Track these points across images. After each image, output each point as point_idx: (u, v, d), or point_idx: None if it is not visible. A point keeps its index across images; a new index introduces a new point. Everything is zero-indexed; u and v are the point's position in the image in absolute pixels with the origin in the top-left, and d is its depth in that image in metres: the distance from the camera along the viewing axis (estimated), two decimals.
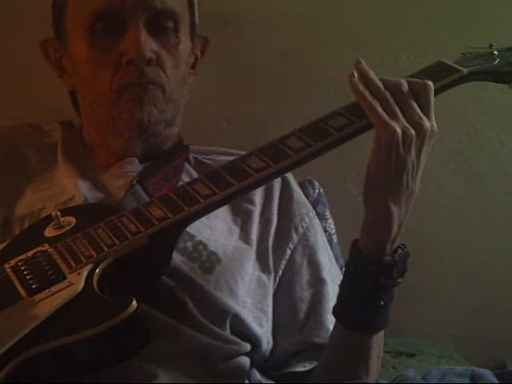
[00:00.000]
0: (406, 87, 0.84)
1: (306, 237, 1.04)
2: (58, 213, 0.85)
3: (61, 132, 1.09)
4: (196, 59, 1.09)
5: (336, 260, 1.15)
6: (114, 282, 0.78)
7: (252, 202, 1.02)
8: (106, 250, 0.78)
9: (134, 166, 1.01)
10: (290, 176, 1.08)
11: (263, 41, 1.38)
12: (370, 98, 0.82)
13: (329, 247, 1.10)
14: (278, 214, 1.03)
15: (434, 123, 0.84)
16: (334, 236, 1.25)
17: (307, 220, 1.05)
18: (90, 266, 0.77)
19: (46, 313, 0.71)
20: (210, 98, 1.36)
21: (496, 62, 0.96)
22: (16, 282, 0.76)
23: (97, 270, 0.77)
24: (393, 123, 0.80)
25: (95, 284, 0.75)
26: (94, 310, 0.72)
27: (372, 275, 0.85)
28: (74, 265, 0.77)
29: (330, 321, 0.97)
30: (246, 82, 1.40)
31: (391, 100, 0.82)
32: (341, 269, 1.19)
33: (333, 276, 1.05)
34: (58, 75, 1.06)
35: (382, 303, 0.86)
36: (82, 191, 0.97)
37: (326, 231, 1.22)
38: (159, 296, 0.87)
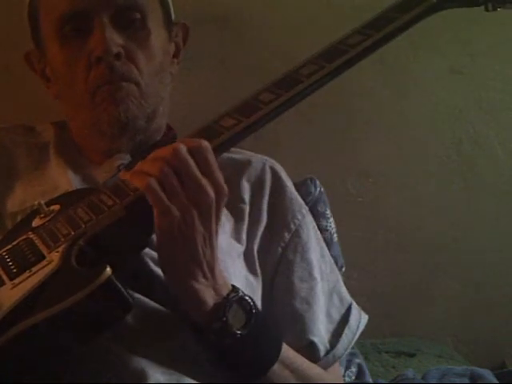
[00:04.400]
0: (182, 156, 0.78)
1: (299, 234, 1.03)
2: (42, 202, 0.87)
3: (53, 131, 1.10)
4: (177, 48, 1.08)
5: (335, 260, 1.15)
6: (98, 259, 0.79)
7: (243, 201, 1.02)
8: (83, 226, 0.79)
9: (125, 161, 1.01)
10: (281, 171, 1.07)
11: (263, 40, 1.38)
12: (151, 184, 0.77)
13: (322, 243, 1.08)
14: (269, 212, 1.03)
15: (221, 182, 0.79)
16: (335, 235, 1.25)
17: (300, 217, 1.04)
18: (68, 243, 0.78)
19: (24, 292, 0.73)
20: (210, 98, 1.36)
21: None
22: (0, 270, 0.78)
23: (75, 246, 0.78)
24: (172, 208, 0.77)
25: (73, 259, 0.76)
26: (72, 281, 0.74)
27: (207, 341, 0.83)
28: (52, 244, 0.79)
29: (320, 321, 0.98)
30: (245, 82, 1.39)
31: (169, 176, 0.77)
32: (340, 268, 1.19)
33: (322, 274, 1.04)
34: (45, 86, 1.06)
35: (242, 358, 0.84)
36: (75, 186, 0.97)
37: (326, 230, 1.22)
38: (155, 288, 0.87)
